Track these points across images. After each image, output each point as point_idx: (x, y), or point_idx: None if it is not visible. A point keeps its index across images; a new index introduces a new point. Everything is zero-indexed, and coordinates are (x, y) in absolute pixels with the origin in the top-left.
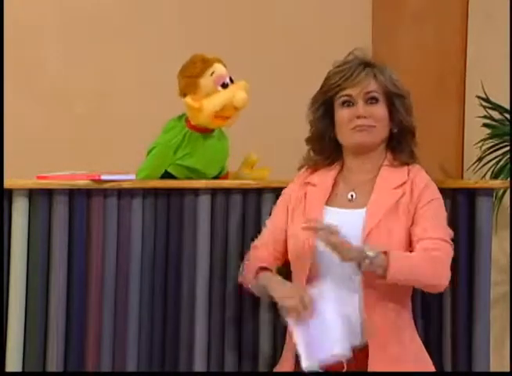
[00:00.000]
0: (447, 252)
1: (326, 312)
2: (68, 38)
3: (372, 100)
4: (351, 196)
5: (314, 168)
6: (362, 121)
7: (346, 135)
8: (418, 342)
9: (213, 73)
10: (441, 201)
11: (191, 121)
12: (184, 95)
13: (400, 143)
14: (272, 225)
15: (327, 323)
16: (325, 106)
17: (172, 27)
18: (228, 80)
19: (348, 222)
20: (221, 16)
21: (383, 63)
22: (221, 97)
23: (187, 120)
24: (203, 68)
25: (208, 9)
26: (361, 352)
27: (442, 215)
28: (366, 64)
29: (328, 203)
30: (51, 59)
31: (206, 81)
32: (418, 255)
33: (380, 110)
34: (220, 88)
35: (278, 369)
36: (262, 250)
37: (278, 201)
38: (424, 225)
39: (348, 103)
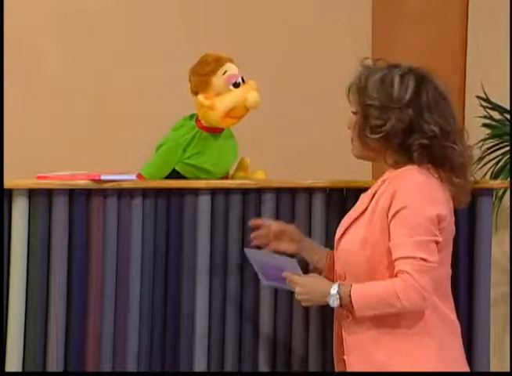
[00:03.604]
0: (417, 272)
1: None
2: (68, 38)
3: (353, 112)
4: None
5: None
6: (350, 132)
7: None
8: (413, 341)
9: (225, 72)
10: (414, 208)
11: (201, 121)
12: (196, 93)
13: (399, 146)
14: None
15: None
16: None
17: (172, 26)
18: (240, 79)
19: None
20: (220, 14)
21: (374, 69)
22: (233, 97)
23: (197, 119)
24: (215, 67)
25: (208, 8)
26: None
27: (412, 227)
28: (358, 74)
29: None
30: (51, 59)
31: (218, 80)
32: (385, 285)
33: (355, 121)
34: (231, 88)
35: (335, 357)
36: None
37: None
38: (392, 245)
39: None
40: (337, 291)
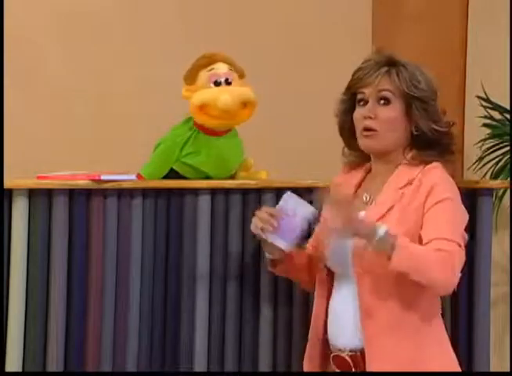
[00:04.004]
0: (454, 253)
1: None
2: (68, 38)
3: (383, 101)
4: (366, 197)
5: (348, 169)
6: (368, 123)
7: (358, 137)
8: (434, 345)
9: (212, 69)
10: (453, 202)
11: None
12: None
13: (425, 143)
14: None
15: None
16: (350, 101)
17: (172, 27)
18: (222, 80)
19: None
20: (220, 14)
21: (410, 63)
22: (205, 94)
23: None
24: (206, 63)
25: (208, 8)
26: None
27: (452, 216)
28: (387, 63)
29: None
30: (51, 59)
31: (203, 75)
32: (427, 250)
33: (388, 112)
34: (212, 86)
35: (306, 358)
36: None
37: None
38: (429, 228)
39: (363, 101)
40: (388, 229)
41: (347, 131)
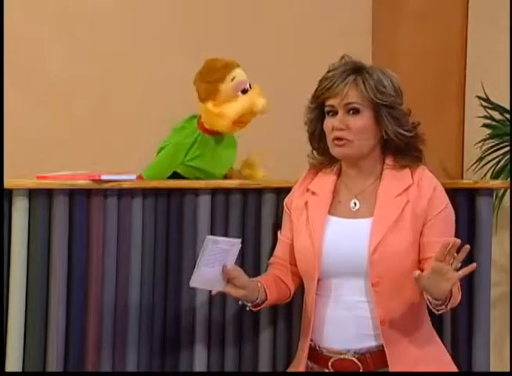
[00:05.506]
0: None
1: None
2: (68, 38)
3: (352, 111)
4: (355, 204)
5: (315, 171)
6: (339, 133)
7: (329, 145)
8: (438, 343)
9: (234, 78)
10: (451, 206)
11: (206, 125)
12: (203, 100)
13: (399, 148)
14: (284, 239)
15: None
16: (318, 109)
17: (172, 27)
18: (248, 86)
19: (353, 233)
20: (221, 16)
21: (373, 69)
22: (241, 103)
23: (199, 122)
24: (224, 73)
25: (208, 9)
26: (377, 355)
27: (452, 224)
28: (353, 71)
29: (330, 211)
30: (51, 59)
31: (226, 87)
32: None
33: (359, 121)
34: (239, 94)
35: (291, 370)
36: (278, 269)
37: (283, 213)
38: (436, 240)
39: (331, 112)
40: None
41: (317, 137)
